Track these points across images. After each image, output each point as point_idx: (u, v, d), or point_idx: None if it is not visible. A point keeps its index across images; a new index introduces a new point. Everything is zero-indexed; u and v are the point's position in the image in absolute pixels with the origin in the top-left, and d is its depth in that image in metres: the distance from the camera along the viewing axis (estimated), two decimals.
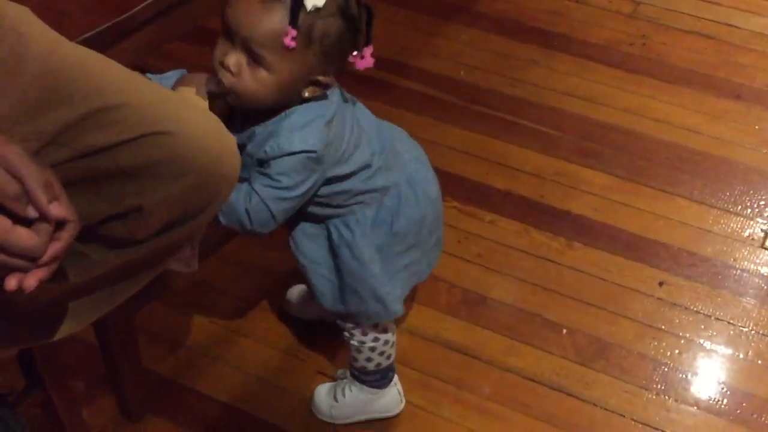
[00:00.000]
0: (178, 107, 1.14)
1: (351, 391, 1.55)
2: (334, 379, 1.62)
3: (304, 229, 1.37)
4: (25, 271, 0.91)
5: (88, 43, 1.31)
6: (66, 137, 1.06)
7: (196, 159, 1.11)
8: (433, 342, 1.70)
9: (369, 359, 1.50)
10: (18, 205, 0.88)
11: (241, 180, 1.26)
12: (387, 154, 1.35)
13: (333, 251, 1.37)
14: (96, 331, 1.46)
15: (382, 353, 1.50)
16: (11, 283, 0.90)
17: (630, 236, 1.90)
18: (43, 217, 0.90)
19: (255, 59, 1.19)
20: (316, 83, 1.24)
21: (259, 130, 1.26)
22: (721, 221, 1.93)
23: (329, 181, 1.30)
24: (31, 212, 0.89)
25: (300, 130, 1.23)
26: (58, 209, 0.90)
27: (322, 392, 1.58)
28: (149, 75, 1.35)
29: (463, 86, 2.24)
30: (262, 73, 1.20)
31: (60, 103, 1.06)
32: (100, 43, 1.34)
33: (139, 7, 1.37)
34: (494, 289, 1.80)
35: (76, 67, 1.08)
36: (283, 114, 1.25)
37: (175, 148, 1.09)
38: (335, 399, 1.56)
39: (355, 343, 1.48)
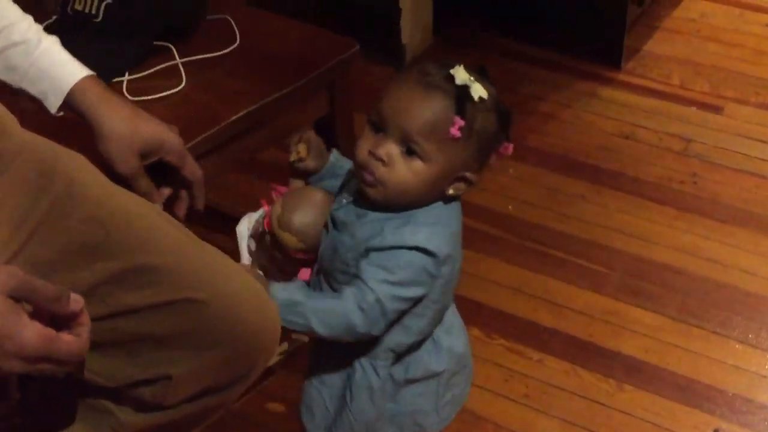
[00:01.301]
0: (220, 274, 1.12)
1: None
2: None
3: (333, 352, 1.32)
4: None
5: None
6: (102, 292, 1.05)
7: (231, 330, 1.08)
8: None
9: None
10: (59, 306, 0.89)
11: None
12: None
13: (348, 389, 1.31)
14: None
15: None
16: None
17: (683, 379, 1.84)
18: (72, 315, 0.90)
19: (411, 149, 1.18)
20: (464, 179, 1.22)
21: (378, 215, 1.22)
22: None
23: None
24: (74, 305, 0.89)
25: (428, 227, 1.20)
26: (77, 301, 0.91)
27: None
28: (335, 150, 1.38)
29: (512, 221, 2.22)
30: (418, 164, 1.18)
31: (101, 256, 1.05)
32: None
33: (192, 143, 1.39)
34: (542, 431, 1.75)
35: (123, 221, 1.08)
36: (409, 212, 1.22)
37: (207, 318, 1.07)
38: None
39: None
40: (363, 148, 1.20)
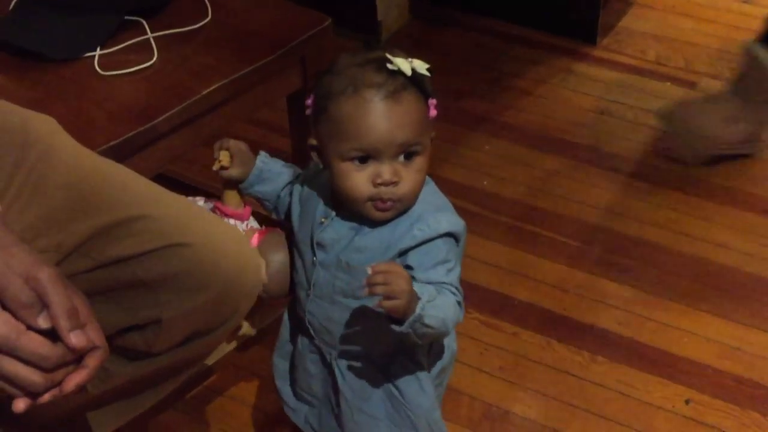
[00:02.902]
0: (201, 220, 1.14)
1: None
2: None
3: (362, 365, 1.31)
4: (33, 391, 0.87)
5: (114, 150, 1.33)
6: (87, 248, 1.06)
7: (217, 272, 1.11)
8: None
9: None
10: (28, 313, 0.86)
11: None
12: None
13: (395, 388, 1.32)
14: None
15: None
16: (19, 405, 0.87)
17: (656, 352, 1.86)
18: (65, 345, 0.87)
19: (411, 154, 1.18)
20: (431, 140, 1.24)
21: (375, 224, 1.22)
22: (750, 339, 1.88)
23: None
24: (42, 322, 0.86)
25: (441, 212, 1.22)
26: (78, 338, 0.86)
27: None
28: (262, 153, 1.34)
29: (487, 196, 2.23)
30: (418, 161, 1.19)
31: (83, 216, 1.06)
32: (125, 151, 1.36)
33: (163, 117, 1.39)
34: (517, 403, 1.76)
35: (101, 180, 1.09)
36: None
37: (195, 261, 1.09)
38: None
39: None
40: (360, 184, 1.17)
